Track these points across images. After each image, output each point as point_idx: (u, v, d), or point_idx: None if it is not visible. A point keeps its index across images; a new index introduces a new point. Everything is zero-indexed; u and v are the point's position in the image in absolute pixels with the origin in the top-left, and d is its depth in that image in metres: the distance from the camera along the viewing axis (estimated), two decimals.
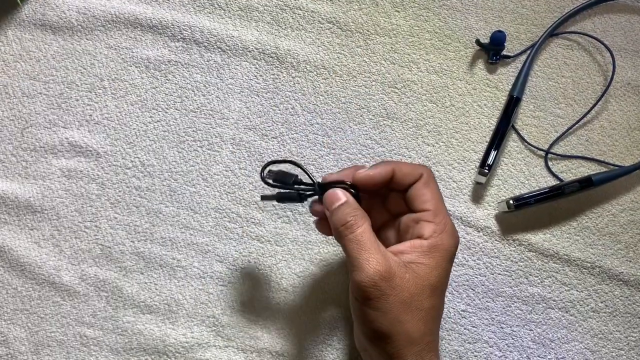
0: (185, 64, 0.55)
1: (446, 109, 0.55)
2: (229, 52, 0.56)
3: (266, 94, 0.55)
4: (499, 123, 0.54)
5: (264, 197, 0.47)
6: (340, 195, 0.41)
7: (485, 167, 0.53)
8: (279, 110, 0.55)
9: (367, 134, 0.55)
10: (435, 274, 0.40)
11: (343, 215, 0.41)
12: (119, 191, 0.53)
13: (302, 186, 0.43)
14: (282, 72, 0.55)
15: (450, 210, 0.54)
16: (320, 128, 0.54)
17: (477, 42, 0.55)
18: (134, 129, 0.54)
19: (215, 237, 0.52)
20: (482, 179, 0.53)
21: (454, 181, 0.54)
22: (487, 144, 0.55)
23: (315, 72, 0.55)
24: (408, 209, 0.43)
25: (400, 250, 0.41)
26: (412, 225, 0.42)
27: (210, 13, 0.56)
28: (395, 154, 0.55)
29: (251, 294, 0.52)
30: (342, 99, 0.55)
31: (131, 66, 0.55)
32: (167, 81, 0.55)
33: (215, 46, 0.56)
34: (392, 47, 0.56)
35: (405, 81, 0.56)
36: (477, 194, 0.54)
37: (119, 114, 0.55)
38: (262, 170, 0.44)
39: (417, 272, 0.40)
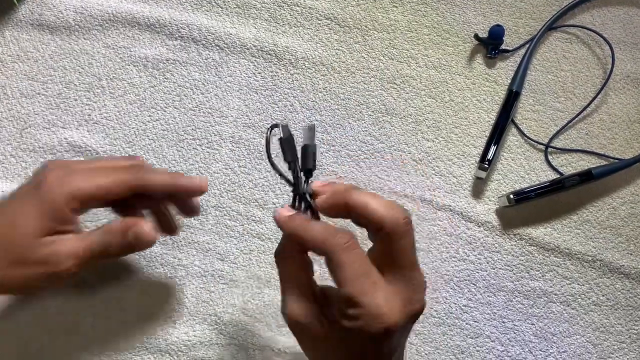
0: (183, 62, 0.55)
1: (445, 104, 0.55)
2: (227, 49, 0.56)
3: (264, 91, 0.55)
4: (498, 117, 0.54)
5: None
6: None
7: (485, 162, 0.53)
8: (278, 107, 0.55)
9: (366, 130, 0.55)
10: None
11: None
12: None
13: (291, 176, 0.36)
14: (280, 69, 0.55)
15: (450, 206, 0.54)
16: (319, 125, 0.54)
17: (476, 36, 0.55)
18: (132, 128, 0.54)
19: (215, 235, 0.52)
20: (482, 174, 0.53)
21: (454, 176, 0.54)
22: (486, 138, 0.54)
23: (313, 69, 0.55)
24: None
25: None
26: None
27: (207, 11, 0.56)
28: (395, 149, 0.54)
29: (252, 292, 0.52)
30: (340, 95, 0.55)
31: (129, 65, 0.55)
32: (165, 80, 0.55)
33: (213, 44, 0.55)
34: (390, 43, 0.56)
35: (404, 77, 0.55)
36: (478, 189, 0.54)
37: (117, 113, 0.54)
38: (269, 130, 0.36)
39: None
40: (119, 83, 0.55)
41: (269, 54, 0.55)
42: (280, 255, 0.36)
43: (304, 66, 0.55)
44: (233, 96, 0.55)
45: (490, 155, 0.53)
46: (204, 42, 0.55)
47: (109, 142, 0.54)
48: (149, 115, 0.55)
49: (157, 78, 0.55)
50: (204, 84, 0.55)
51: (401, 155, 0.54)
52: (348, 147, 0.54)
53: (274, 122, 0.40)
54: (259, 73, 0.55)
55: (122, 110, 0.54)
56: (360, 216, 0.33)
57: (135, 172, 0.40)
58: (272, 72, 0.55)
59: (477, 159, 0.54)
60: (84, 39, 0.55)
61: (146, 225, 0.40)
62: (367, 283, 0.32)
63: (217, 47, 0.56)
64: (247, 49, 0.56)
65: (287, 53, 0.55)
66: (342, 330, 0.32)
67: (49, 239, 0.38)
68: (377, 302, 0.31)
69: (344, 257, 0.32)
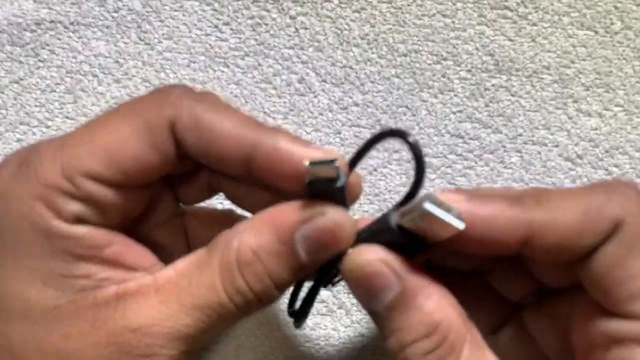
0: (71, 23, 0.29)
1: (614, 37, 0.29)
2: None
3: (242, 58, 0.28)
4: None
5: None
6: (389, 277, 0.18)
7: None
8: (274, 87, 0.28)
9: (461, 111, 0.28)
10: None
11: (408, 347, 0.18)
12: None
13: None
14: (269, 10, 0.29)
15: None
16: (361, 111, 0.28)
17: None
18: None
19: None
20: None
21: None
22: None
23: (336, 1, 0.29)
24: (587, 303, 0.20)
25: None
26: (604, 343, 0.19)
27: None
28: (526, 142, 0.28)
29: None
30: (399, 48, 0.28)
31: None
32: (40, 63, 0.28)
33: None
34: None
35: None
36: None
37: None
38: None
39: None
40: None
41: None
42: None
43: None
44: (183, 75, 0.28)
45: None
46: None
47: None
48: (17, 140, 0.28)
49: (22, 62, 0.29)
50: (117, 59, 0.29)
51: (540, 154, 0.28)
52: (427, 151, 0.28)
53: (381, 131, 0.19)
54: (226, 24, 0.29)
55: None
56: (564, 235, 0.18)
57: (183, 104, 0.20)
58: (251, 17, 0.28)
59: None
60: None
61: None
62: None
63: None
64: None
65: None
66: None
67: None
68: None
69: None
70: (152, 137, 0.19)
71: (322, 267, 0.20)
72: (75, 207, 0.19)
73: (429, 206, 0.16)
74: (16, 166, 0.19)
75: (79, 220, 0.19)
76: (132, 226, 0.21)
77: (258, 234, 0.19)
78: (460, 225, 0.16)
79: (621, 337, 0.18)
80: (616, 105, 0.28)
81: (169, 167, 0.20)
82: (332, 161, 0.18)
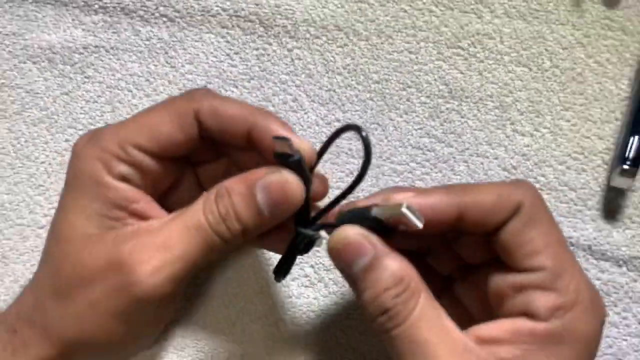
0: (111, 48, 0.34)
1: (545, 73, 0.34)
2: (180, 21, 0.34)
3: (248, 81, 0.34)
4: (638, 89, 0.33)
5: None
6: (366, 246, 0.24)
7: (627, 162, 0.32)
8: (273, 105, 0.34)
9: (421, 129, 0.33)
10: None
11: (380, 295, 0.23)
12: None
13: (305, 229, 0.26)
14: (270, 44, 0.34)
15: (571, 237, 0.33)
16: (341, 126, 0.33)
17: None
18: (38, 163, 0.33)
19: None
20: (625, 182, 0.32)
21: (571, 189, 0.33)
22: (621, 124, 0.33)
23: (325, 38, 0.34)
24: (499, 262, 0.26)
25: (492, 337, 0.24)
26: (510, 293, 0.25)
27: None
28: (472, 154, 0.33)
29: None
30: (373, 77, 0.34)
31: (25, 62, 0.34)
32: (86, 80, 0.34)
33: (157, 14, 0.34)
34: None
35: (473, 35, 0.34)
36: (614, 207, 0.33)
37: (12, 143, 0.33)
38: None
39: None
40: (10, 94, 0.34)
41: (250, 21, 0.34)
42: (391, 311, 0.24)
43: (307, 35, 0.34)
44: None
45: (632, 151, 0.32)
46: (141, 12, 0.34)
47: None
48: (66, 141, 0.34)
49: (72, 78, 0.34)
50: (148, 78, 0.34)
51: (482, 164, 0.33)
52: (393, 159, 0.33)
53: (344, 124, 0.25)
54: (237, 54, 0.34)
55: (21, 137, 0.33)
56: (484, 212, 0.24)
57: (205, 99, 0.27)
58: (257, 49, 0.34)
59: (609, 158, 0.33)
60: None
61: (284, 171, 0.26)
62: (569, 258, 0.25)
63: (165, 19, 0.34)
64: (213, 16, 0.34)
65: (278, 16, 0.34)
66: (539, 348, 0.24)
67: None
68: (586, 284, 0.25)
69: (541, 214, 0.25)
70: (181, 122, 0.26)
71: (294, 237, 0.26)
72: (123, 168, 0.26)
73: (405, 210, 0.22)
74: (87, 139, 0.27)
75: (123, 179, 0.26)
76: (161, 199, 0.28)
77: (233, 182, 0.25)
78: (420, 224, 0.23)
79: (523, 286, 0.24)
80: (544, 128, 0.34)
81: (192, 145, 0.27)
82: (287, 140, 0.24)
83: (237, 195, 0.25)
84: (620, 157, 0.32)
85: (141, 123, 0.26)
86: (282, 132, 0.25)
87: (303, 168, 0.25)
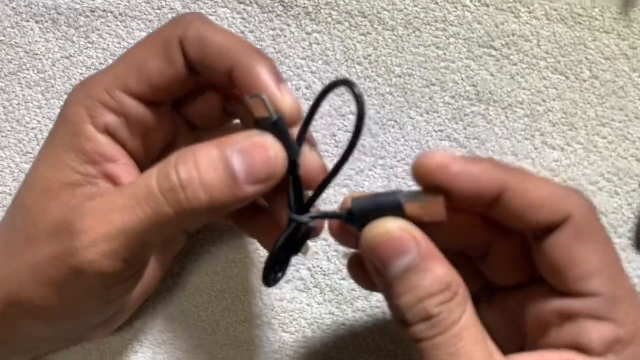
0: (119, 14, 0.33)
1: (583, 83, 0.31)
2: None
3: None
4: None
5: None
6: (409, 244, 0.20)
7: None
8: None
9: (442, 131, 0.31)
10: None
11: (423, 301, 0.20)
12: None
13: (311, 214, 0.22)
14: (288, 24, 0.32)
15: None
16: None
17: None
18: (31, 130, 0.31)
19: None
20: None
21: (600, 213, 0.30)
22: None
23: (347, 24, 0.32)
24: (538, 282, 0.23)
25: None
26: (556, 320, 0.22)
27: None
28: None
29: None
30: (395, 70, 0.31)
31: (28, 20, 0.32)
32: (89, 45, 0.32)
33: None
34: None
35: (508, 36, 0.31)
36: None
37: (5, 106, 0.31)
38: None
39: None
40: (8, 52, 0.32)
41: None
42: (436, 318, 0.20)
43: (329, 19, 0.32)
44: None
45: None
46: None
47: None
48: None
49: (74, 42, 0.32)
50: None
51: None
52: (408, 161, 0.31)
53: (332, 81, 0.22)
54: (251, 32, 0.32)
55: (14, 99, 0.31)
56: (530, 203, 0.21)
57: (192, 25, 0.23)
58: (273, 29, 0.32)
59: None
60: None
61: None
62: (626, 284, 0.22)
63: None
64: None
65: None
66: None
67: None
68: None
69: (596, 231, 0.22)
70: (167, 53, 0.23)
71: (288, 235, 0.22)
72: (109, 118, 0.23)
73: (440, 200, 0.20)
74: (79, 86, 0.24)
75: (106, 131, 0.23)
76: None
77: (202, 144, 0.21)
78: (444, 217, 0.20)
79: (572, 313, 0.21)
80: (577, 143, 0.31)
81: (181, 83, 0.23)
82: (260, 97, 0.21)
83: (205, 158, 0.20)
84: None
85: (128, 61, 0.23)
86: (264, 80, 0.21)
87: (283, 132, 0.21)
